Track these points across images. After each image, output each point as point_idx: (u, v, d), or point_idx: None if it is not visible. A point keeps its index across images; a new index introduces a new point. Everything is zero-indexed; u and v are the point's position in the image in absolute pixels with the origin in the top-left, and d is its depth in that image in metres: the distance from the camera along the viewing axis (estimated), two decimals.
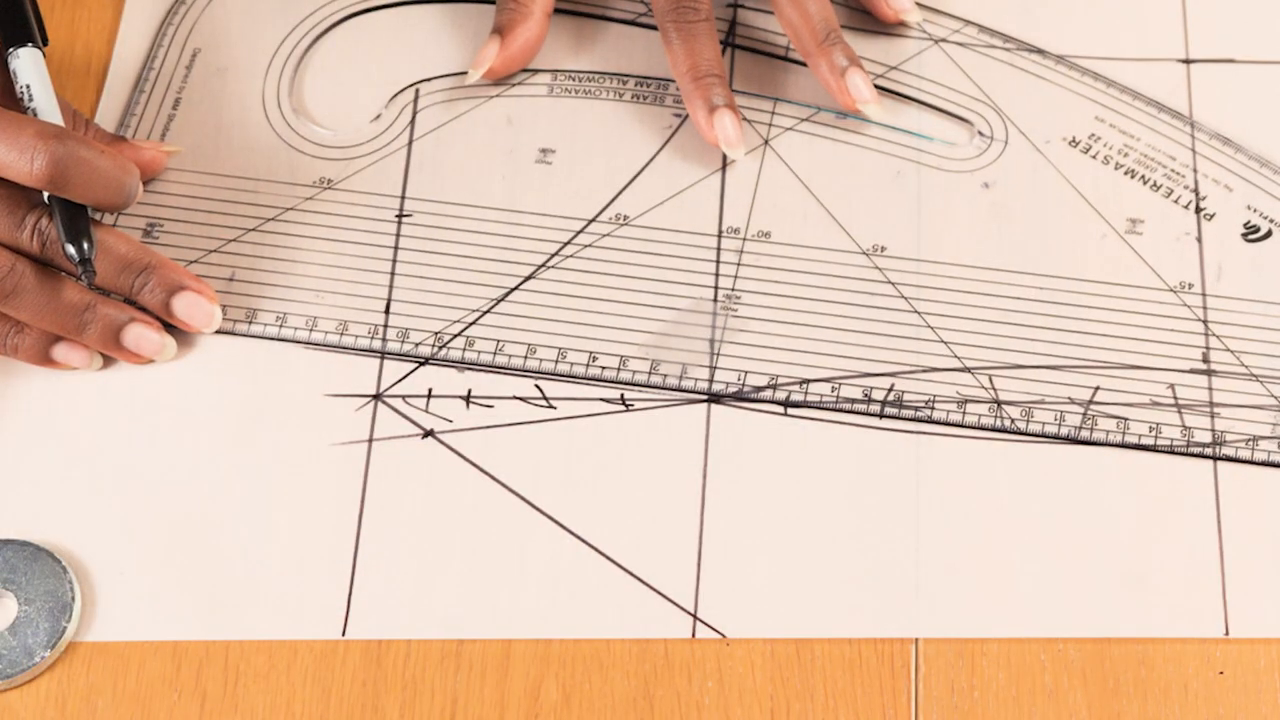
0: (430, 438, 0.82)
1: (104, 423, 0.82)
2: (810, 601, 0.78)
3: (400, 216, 0.86)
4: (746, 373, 0.82)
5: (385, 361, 0.83)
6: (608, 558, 0.79)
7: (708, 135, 0.87)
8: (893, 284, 0.84)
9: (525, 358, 0.83)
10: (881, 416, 0.81)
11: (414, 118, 0.89)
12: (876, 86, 0.88)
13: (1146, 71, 0.88)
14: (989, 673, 0.77)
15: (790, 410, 0.81)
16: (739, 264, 0.85)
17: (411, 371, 0.83)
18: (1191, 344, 0.82)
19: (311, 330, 0.84)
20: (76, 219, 0.80)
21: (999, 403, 0.81)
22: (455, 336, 0.83)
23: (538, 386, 0.82)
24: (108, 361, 0.83)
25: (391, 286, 0.85)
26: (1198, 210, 0.85)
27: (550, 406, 0.82)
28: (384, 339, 0.83)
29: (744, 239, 0.85)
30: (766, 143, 0.87)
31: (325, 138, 0.89)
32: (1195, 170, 0.86)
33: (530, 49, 0.88)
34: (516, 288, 0.84)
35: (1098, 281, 0.83)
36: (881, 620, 0.77)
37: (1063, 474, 0.80)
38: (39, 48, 0.85)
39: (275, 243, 0.86)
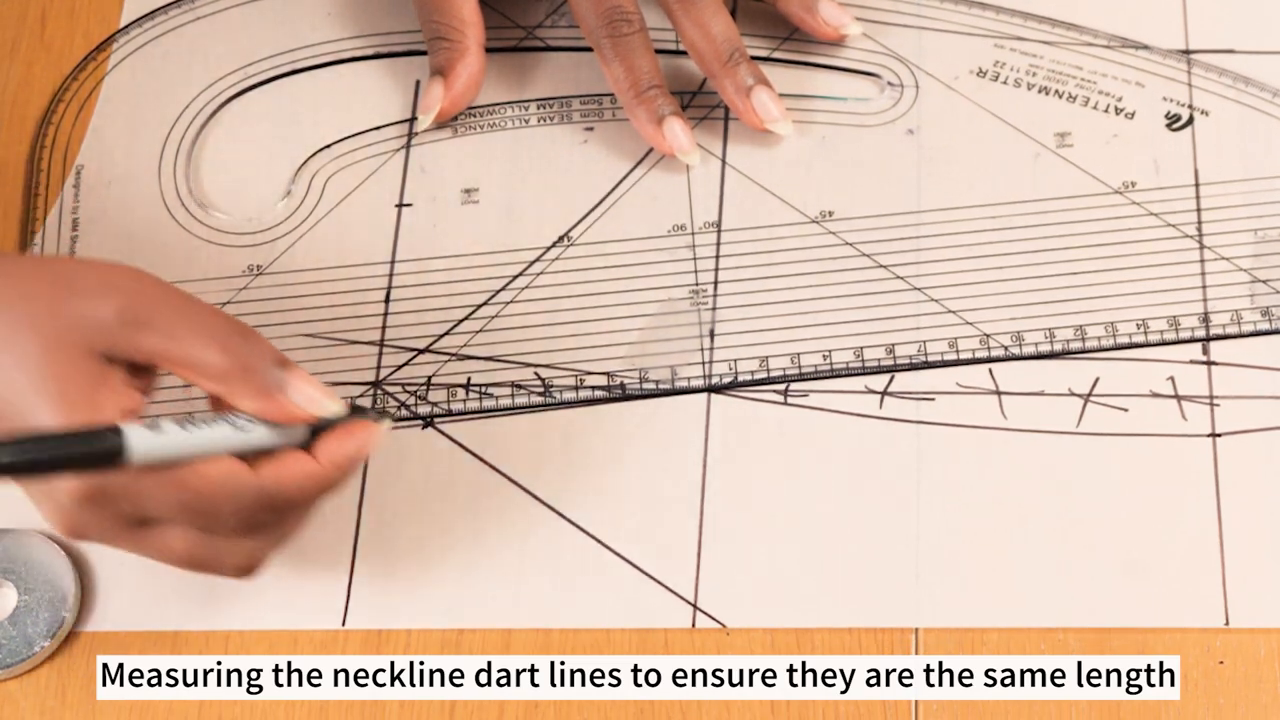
0: (429, 427, 0.81)
1: None
2: (810, 591, 0.78)
3: (400, 206, 0.86)
4: (737, 360, 0.82)
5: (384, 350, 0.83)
6: (607, 547, 0.79)
7: (661, 146, 0.86)
8: (851, 245, 0.84)
9: (513, 396, 0.81)
10: (885, 377, 0.81)
11: (325, 186, 0.87)
12: (779, 60, 0.88)
13: None
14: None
15: (791, 391, 0.81)
16: (695, 258, 0.84)
17: (410, 359, 0.82)
18: (1151, 237, 0.83)
19: None
20: None
21: (988, 335, 0.82)
22: (433, 381, 0.82)
23: (537, 374, 0.82)
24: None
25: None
26: (1118, 111, 0.86)
27: (549, 394, 0.81)
28: (382, 339, 0.82)
29: (693, 233, 0.85)
30: None
31: (240, 225, 0.86)
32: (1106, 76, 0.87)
33: (475, 83, 0.87)
34: (481, 330, 0.83)
35: (1045, 199, 0.84)
36: (881, 610, 0.77)
37: (1062, 463, 0.79)
38: None
39: None
